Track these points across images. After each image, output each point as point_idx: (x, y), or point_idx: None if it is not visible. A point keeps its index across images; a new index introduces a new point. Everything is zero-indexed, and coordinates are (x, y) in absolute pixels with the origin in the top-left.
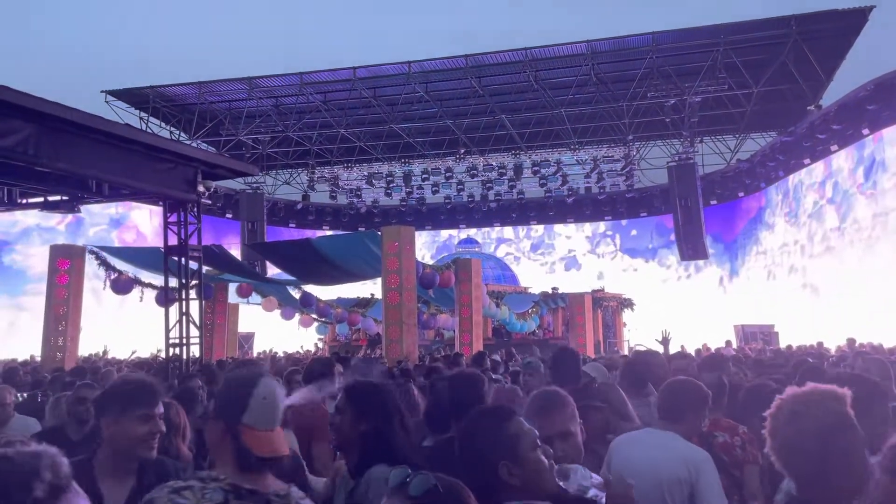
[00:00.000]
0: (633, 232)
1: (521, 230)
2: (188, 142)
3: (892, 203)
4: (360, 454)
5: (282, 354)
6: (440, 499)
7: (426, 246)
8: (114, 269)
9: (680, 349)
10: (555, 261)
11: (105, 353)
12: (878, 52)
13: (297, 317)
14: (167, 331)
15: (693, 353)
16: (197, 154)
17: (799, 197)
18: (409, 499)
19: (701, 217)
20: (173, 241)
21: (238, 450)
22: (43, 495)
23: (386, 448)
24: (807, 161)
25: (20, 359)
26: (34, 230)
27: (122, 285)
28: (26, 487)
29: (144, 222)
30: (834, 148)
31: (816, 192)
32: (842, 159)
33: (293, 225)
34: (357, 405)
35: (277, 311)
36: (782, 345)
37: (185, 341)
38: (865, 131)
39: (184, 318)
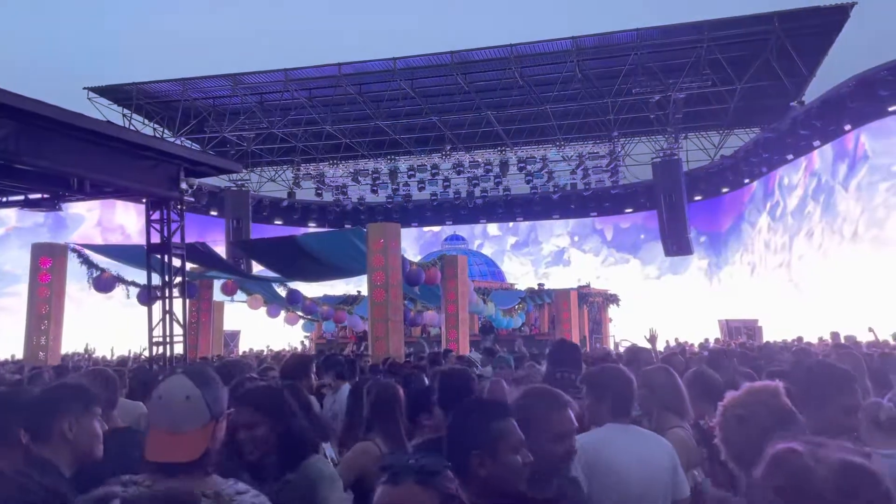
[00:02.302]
0: (619, 227)
1: (508, 226)
2: (172, 139)
3: (874, 198)
4: (281, 454)
5: (267, 352)
6: (439, 481)
7: (412, 243)
8: (96, 267)
9: (665, 345)
10: (541, 257)
11: (87, 351)
12: (859, 49)
13: (283, 314)
14: (150, 329)
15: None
16: (180, 151)
17: (782, 192)
18: (419, 484)
19: (685, 212)
20: (156, 238)
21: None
22: None
23: (305, 441)
24: (790, 157)
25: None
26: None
27: (104, 283)
28: None
29: (131, 223)
30: (816, 144)
31: (799, 187)
32: (824, 155)
33: (279, 222)
34: (268, 411)
35: (263, 309)
36: (765, 339)
37: (168, 340)
38: (847, 127)
39: (167, 316)
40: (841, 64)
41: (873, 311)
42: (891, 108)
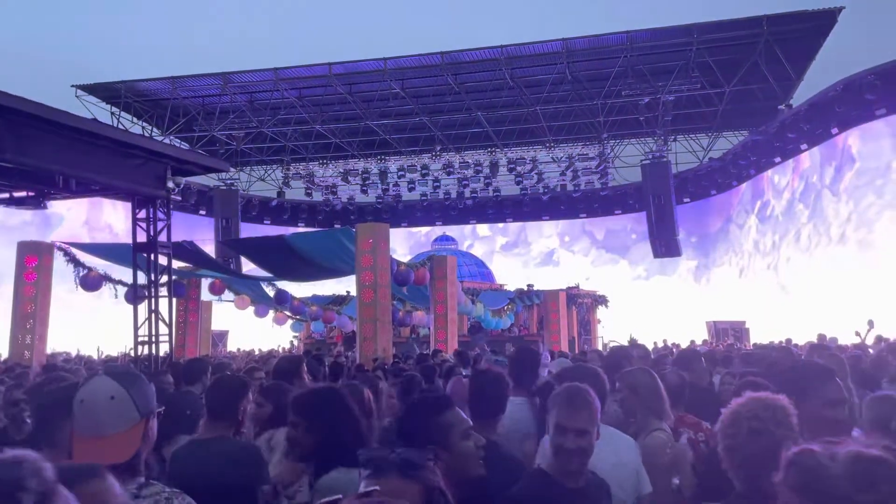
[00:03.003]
0: (608, 229)
1: (498, 227)
2: (160, 138)
3: (861, 201)
4: (316, 463)
5: (256, 353)
6: (422, 471)
7: (402, 243)
8: (83, 265)
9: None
10: (530, 257)
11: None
12: (847, 53)
13: (272, 314)
14: (136, 329)
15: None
16: (166, 150)
17: (770, 195)
18: (402, 477)
19: (674, 214)
20: (142, 237)
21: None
22: None
23: (341, 453)
24: (777, 160)
25: None
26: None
27: (91, 282)
28: (13, 500)
29: (119, 222)
30: (804, 147)
31: (787, 190)
32: (812, 158)
33: (268, 222)
34: (307, 416)
35: (251, 309)
36: (753, 341)
37: (154, 339)
38: (835, 130)
39: (153, 315)
40: (829, 68)
41: (860, 313)
42: (878, 112)
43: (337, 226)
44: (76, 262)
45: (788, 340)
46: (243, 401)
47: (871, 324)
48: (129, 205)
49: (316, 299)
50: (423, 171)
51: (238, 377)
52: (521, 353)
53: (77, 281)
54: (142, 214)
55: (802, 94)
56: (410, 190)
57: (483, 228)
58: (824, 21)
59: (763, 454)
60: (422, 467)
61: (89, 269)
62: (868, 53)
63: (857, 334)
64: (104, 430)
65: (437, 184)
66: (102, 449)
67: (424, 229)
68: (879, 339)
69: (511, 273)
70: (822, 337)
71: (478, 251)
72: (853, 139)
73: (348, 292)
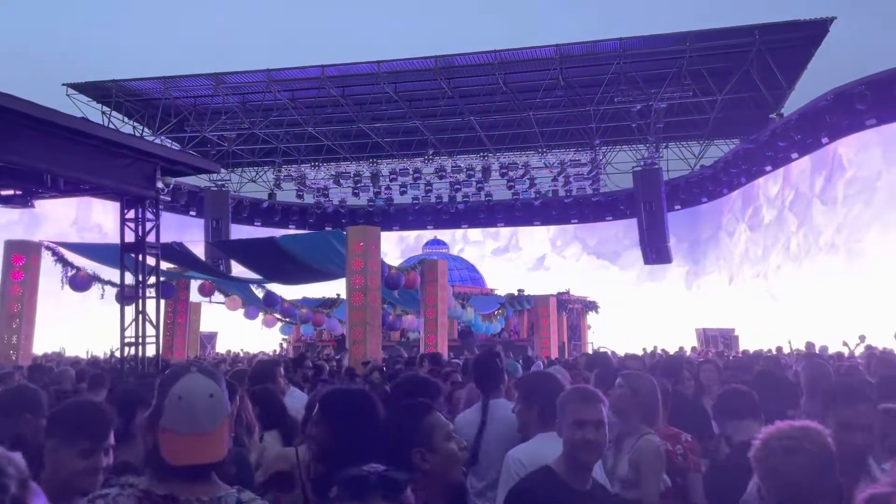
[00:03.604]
0: (599, 235)
1: (489, 232)
2: (151, 138)
3: (850, 210)
4: (330, 463)
5: (243, 355)
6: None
7: (394, 247)
8: (71, 265)
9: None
10: (521, 262)
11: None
12: (838, 64)
13: (261, 316)
14: (122, 329)
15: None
16: (156, 150)
17: (760, 203)
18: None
19: (665, 221)
20: (131, 237)
21: (155, 455)
22: (17, 490)
23: (354, 457)
24: (768, 168)
25: None
26: None
27: (80, 282)
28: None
29: (109, 222)
30: (794, 156)
31: (777, 198)
32: (802, 167)
33: (258, 224)
34: (331, 415)
35: (241, 311)
36: (742, 348)
37: (140, 340)
38: (825, 140)
39: (140, 316)
40: (819, 78)
41: (849, 322)
42: (868, 122)
43: (328, 228)
44: (64, 262)
45: (779, 349)
46: (231, 404)
47: (861, 338)
48: (118, 205)
49: (306, 302)
50: (416, 175)
51: (227, 381)
52: (485, 357)
53: (65, 280)
54: (131, 214)
55: (793, 103)
56: (402, 193)
57: (474, 233)
58: (816, 31)
59: (802, 476)
60: (404, 490)
61: (77, 268)
62: (859, 64)
63: (845, 344)
64: (204, 427)
65: (429, 188)
66: (201, 446)
67: (416, 233)
68: (869, 348)
69: (502, 278)
70: (810, 345)
71: (469, 255)
72: (843, 148)
73: (338, 295)
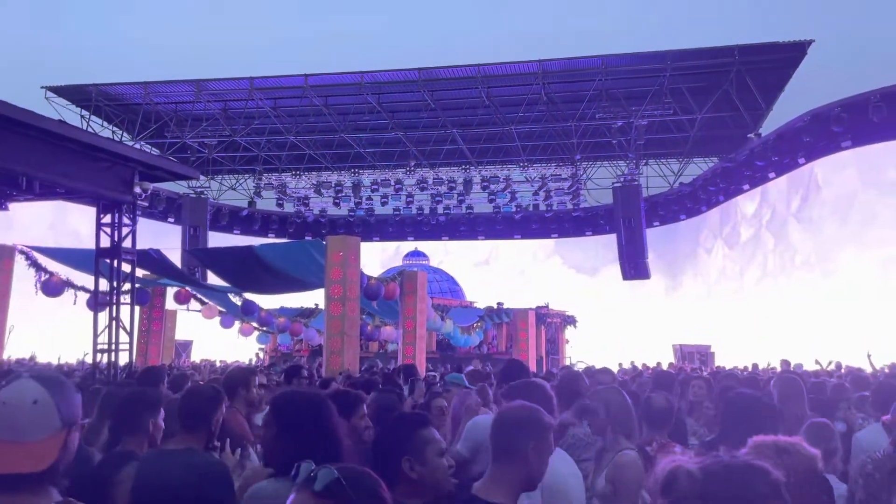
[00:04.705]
0: (579, 249)
1: (469, 244)
2: (131, 143)
3: (825, 229)
4: (278, 469)
5: (219, 364)
6: (344, 491)
7: (374, 258)
8: (45, 270)
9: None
10: (501, 275)
11: (32, 358)
12: (815, 86)
13: (238, 325)
14: (95, 336)
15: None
16: (134, 154)
17: (738, 221)
18: (314, 494)
19: (644, 237)
20: (106, 242)
21: None
22: None
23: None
24: (746, 187)
25: None
26: None
27: (52, 287)
28: None
29: (85, 227)
30: (772, 175)
31: (754, 217)
32: (779, 186)
33: (238, 231)
34: (283, 419)
35: (217, 319)
36: (717, 365)
37: (113, 347)
38: (802, 160)
39: (113, 322)
40: (797, 99)
41: (824, 339)
42: (843, 144)
43: (308, 237)
44: (38, 267)
45: (755, 366)
46: (217, 412)
47: (838, 366)
48: (95, 209)
49: (284, 311)
50: (397, 186)
51: (212, 387)
52: (510, 366)
53: (38, 285)
54: (107, 219)
55: (771, 123)
56: (383, 204)
57: (455, 245)
58: (794, 53)
59: None
60: (341, 487)
61: (51, 273)
62: (835, 86)
63: (817, 362)
64: (22, 436)
65: (411, 199)
66: (16, 456)
67: (396, 244)
68: (839, 366)
69: (481, 290)
70: (785, 362)
71: (449, 268)
72: (819, 169)
73: (317, 305)
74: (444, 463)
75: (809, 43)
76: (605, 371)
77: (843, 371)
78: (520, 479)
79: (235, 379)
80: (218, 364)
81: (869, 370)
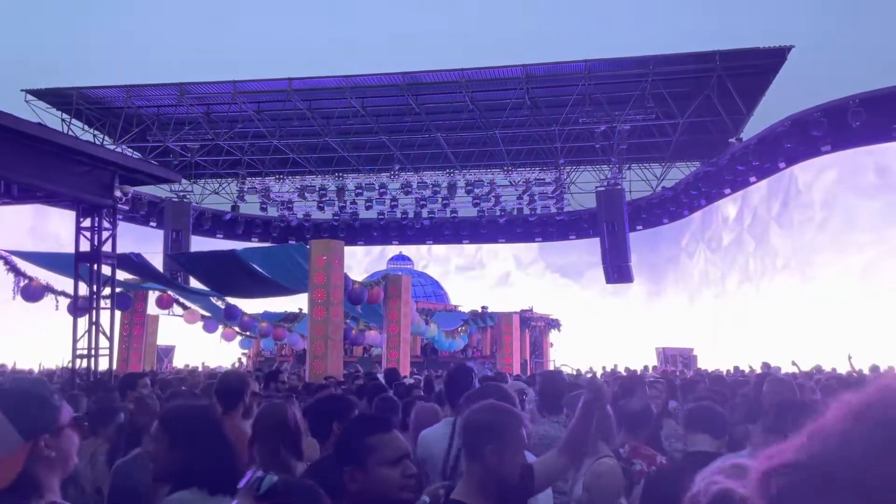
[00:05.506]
0: (562, 253)
1: (453, 248)
2: (112, 146)
3: (805, 233)
4: (175, 483)
5: (202, 369)
6: (283, 497)
7: (358, 262)
8: (24, 274)
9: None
10: (485, 279)
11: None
12: (795, 91)
13: (220, 330)
14: (74, 341)
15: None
16: (114, 157)
17: (719, 225)
18: (256, 498)
19: (627, 241)
20: (86, 246)
21: None
22: None
23: (200, 476)
24: (727, 191)
25: None
26: None
27: (32, 292)
28: None
29: (66, 232)
30: (753, 179)
31: (736, 221)
32: (760, 190)
33: (220, 236)
34: (171, 432)
35: (200, 324)
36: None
37: (93, 352)
38: (782, 165)
39: (93, 327)
40: (777, 104)
41: (804, 342)
42: (823, 148)
43: (292, 242)
44: (17, 271)
45: (737, 368)
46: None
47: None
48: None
49: (267, 315)
50: (381, 190)
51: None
52: (456, 371)
53: (17, 291)
54: (87, 223)
55: (752, 128)
56: (368, 208)
57: (439, 249)
58: (775, 59)
59: None
60: (280, 492)
61: (30, 278)
62: (815, 92)
63: (794, 364)
64: None
65: (395, 203)
66: None
67: (380, 248)
68: (818, 369)
69: (466, 294)
70: (766, 365)
71: (433, 272)
72: (800, 173)
73: (300, 309)
74: (394, 473)
75: (790, 49)
76: (592, 379)
77: (822, 375)
78: (487, 481)
79: (232, 386)
80: (200, 369)
81: (846, 371)
